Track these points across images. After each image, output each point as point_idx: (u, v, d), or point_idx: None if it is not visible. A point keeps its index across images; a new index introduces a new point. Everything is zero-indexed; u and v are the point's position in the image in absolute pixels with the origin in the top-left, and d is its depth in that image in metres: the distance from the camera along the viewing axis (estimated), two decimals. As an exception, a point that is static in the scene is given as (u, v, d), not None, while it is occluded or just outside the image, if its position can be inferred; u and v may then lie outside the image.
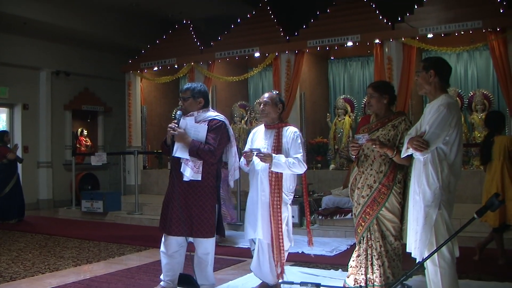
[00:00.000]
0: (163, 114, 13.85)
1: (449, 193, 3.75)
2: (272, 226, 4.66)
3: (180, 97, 4.88)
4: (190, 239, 4.87)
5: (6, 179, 10.39)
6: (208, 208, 4.73)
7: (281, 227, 4.66)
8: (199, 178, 4.66)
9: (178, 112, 4.88)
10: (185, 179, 4.66)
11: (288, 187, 4.77)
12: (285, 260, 4.86)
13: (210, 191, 4.76)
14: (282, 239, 4.68)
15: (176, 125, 4.72)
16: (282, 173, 4.67)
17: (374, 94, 4.42)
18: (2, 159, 10.30)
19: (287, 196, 4.77)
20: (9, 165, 10.45)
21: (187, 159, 4.65)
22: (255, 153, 4.63)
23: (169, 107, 13.87)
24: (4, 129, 12.11)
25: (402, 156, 3.97)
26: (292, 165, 4.59)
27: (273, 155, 4.60)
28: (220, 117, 4.87)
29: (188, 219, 4.68)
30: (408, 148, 3.81)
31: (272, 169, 4.62)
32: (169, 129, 4.71)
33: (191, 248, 4.90)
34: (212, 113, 4.88)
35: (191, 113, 4.81)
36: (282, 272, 4.74)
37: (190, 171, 4.64)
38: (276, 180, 4.68)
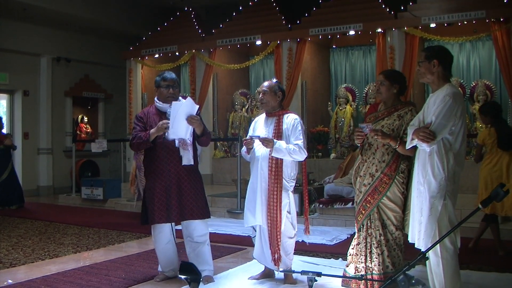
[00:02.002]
0: (163, 102, 13.75)
1: (454, 184, 3.73)
2: (270, 212, 4.64)
3: (171, 86, 4.77)
4: (179, 226, 4.89)
5: (2, 165, 10.42)
6: (202, 190, 4.89)
7: (280, 213, 4.62)
8: (192, 162, 4.76)
9: (168, 111, 4.63)
10: (185, 163, 4.70)
11: (289, 173, 4.71)
12: (293, 248, 4.86)
13: (199, 174, 4.94)
14: (280, 226, 4.64)
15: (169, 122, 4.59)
16: (282, 159, 4.63)
17: (384, 82, 4.36)
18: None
19: (288, 182, 4.71)
20: (5, 151, 10.48)
21: (186, 145, 4.67)
22: (255, 140, 4.62)
23: (169, 95, 13.79)
24: (-2, 114, 12.09)
25: (407, 148, 3.93)
26: (292, 152, 4.55)
27: (274, 140, 4.57)
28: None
29: (187, 202, 4.73)
30: (413, 139, 3.77)
31: (272, 155, 4.58)
32: (161, 126, 4.56)
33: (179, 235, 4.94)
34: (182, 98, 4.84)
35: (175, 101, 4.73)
36: (279, 259, 4.72)
37: (189, 156, 4.71)
38: (276, 166, 4.64)
